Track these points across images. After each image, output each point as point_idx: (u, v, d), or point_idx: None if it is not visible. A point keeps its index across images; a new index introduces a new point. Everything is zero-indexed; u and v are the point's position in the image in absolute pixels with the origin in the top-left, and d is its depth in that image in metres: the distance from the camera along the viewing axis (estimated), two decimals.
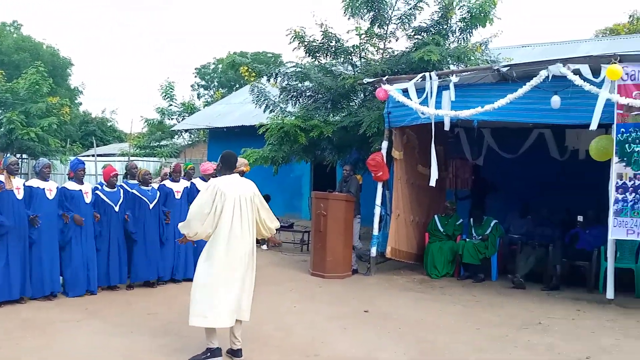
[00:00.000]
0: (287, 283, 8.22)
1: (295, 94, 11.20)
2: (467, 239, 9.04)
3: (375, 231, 9.03)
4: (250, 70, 11.16)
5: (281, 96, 11.34)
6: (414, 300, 7.36)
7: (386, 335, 5.78)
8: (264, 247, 11.53)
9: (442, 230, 9.38)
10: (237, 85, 32.40)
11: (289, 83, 11.14)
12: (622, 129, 6.86)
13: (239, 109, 18.35)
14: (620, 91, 6.78)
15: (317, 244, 8.76)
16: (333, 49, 10.83)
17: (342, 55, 10.86)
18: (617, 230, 6.95)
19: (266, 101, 11.40)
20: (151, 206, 7.67)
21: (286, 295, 7.43)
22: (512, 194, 10.85)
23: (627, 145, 6.83)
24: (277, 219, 12.13)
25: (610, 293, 7.17)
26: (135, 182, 7.76)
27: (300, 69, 10.89)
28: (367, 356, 5.17)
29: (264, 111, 11.51)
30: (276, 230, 5.35)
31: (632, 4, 40.63)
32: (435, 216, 9.59)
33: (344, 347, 5.39)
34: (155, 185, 8.06)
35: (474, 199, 11.36)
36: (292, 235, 12.28)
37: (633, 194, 6.83)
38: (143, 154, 23.54)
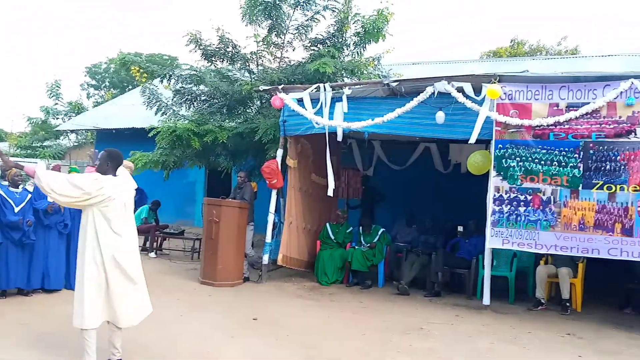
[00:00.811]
0: (175, 292, 7.97)
1: (189, 97, 10.96)
2: (357, 247, 9.27)
3: (268, 238, 9.02)
4: (141, 70, 10.77)
5: (174, 99, 11.04)
6: (303, 307, 7.42)
7: (273, 342, 5.76)
8: (152, 254, 11.14)
9: (333, 238, 9.56)
10: (130, 87, 31.17)
11: (184, 86, 10.88)
12: (500, 145, 7.36)
13: (130, 111, 17.64)
14: (499, 109, 7.28)
15: (208, 252, 8.59)
16: (230, 54, 10.73)
17: (239, 62, 10.80)
18: (493, 239, 7.42)
19: (158, 103, 11.03)
20: (16, 209, 7.08)
21: (172, 305, 7.19)
22: (399, 204, 11.31)
23: (503, 160, 7.33)
24: (167, 226, 11.72)
25: (486, 299, 7.62)
26: (6, 183, 7.20)
27: (195, 72, 10.67)
28: None
29: (155, 113, 11.14)
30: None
31: (514, 30, 43.90)
32: (327, 224, 9.75)
33: (230, 355, 5.31)
34: (31, 188, 7.51)
35: (363, 208, 11.69)
36: (183, 243, 11.97)
37: (508, 206, 7.33)
38: (24, 155, 21.97)
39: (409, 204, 10.86)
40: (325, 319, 6.87)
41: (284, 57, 10.83)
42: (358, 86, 8.37)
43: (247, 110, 10.99)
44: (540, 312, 7.71)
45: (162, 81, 11.06)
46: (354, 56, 10.59)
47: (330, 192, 8.66)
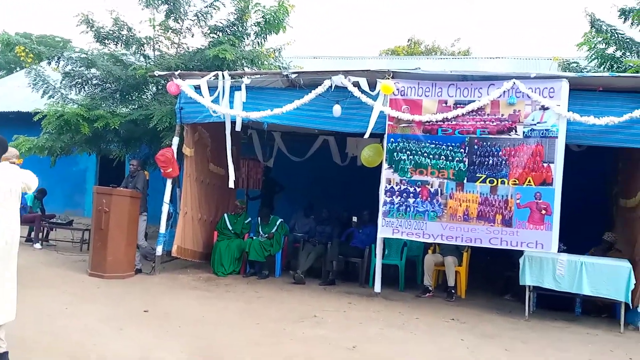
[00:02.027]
0: (61, 284, 7.56)
1: (80, 80, 10.41)
2: (254, 237, 9.26)
3: (162, 229, 8.78)
4: (27, 51, 10.09)
5: (63, 82, 10.44)
6: (197, 299, 7.30)
7: (164, 334, 5.64)
8: (37, 245, 10.50)
9: (231, 228, 9.48)
10: (18, 68, 29.07)
11: (74, 69, 10.31)
12: (392, 139, 7.63)
13: (16, 93, 16.48)
14: (391, 104, 7.53)
15: (97, 243, 8.22)
16: (124, 37, 10.32)
17: (134, 45, 10.39)
18: (384, 229, 7.69)
19: (45, 86, 10.38)
20: None
21: (58, 298, 6.83)
22: (299, 195, 11.45)
23: (395, 154, 7.60)
24: (55, 215, 11.10)
25: (377, 287, 7.90)
26: None
27: (85, 55, 10.14)
28: (141, 356, 4.98)
29: (42, 96, 10.48)
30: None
31: (411, 30, 45.54)
32: (225, 215, 9.65)
33: (118, 347, 5.13)
34: None
35: (263, 198, 11.71)
36: (71, 234, 11.36)
37: (399, 197, 7.61)
38: None
39: (308, 195, 11.02)
40: (219, 310, 6.81)
41: (182, 44, 10.57)
42: (258, 76, 8.33)
43: (142, 97, 10.62)
44: (427, 298, 8.10)
45: (49, 63, 10.42)
46: (254, 46, 10.53)
47: (231, 184, 8.57)
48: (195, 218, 9.24)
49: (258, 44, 10.59)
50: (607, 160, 9.60)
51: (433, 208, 7.44)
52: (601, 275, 6.77)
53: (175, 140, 8.74)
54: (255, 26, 10.29)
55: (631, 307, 6.81)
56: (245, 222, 9.63)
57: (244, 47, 10.37)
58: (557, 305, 7.60)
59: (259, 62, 9.98)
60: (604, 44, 8.27)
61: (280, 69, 9.93)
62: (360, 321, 6.60)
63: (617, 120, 6.70)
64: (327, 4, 43.07)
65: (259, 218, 9.61)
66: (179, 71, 8.65)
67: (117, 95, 10.40)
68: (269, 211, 9.82)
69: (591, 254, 7.68)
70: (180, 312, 6.52)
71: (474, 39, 40.23)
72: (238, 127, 8.40)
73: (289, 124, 8.24)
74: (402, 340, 5.94)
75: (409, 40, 26.71)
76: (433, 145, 7.44)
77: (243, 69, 9.76)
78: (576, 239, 8.01)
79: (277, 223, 9.40)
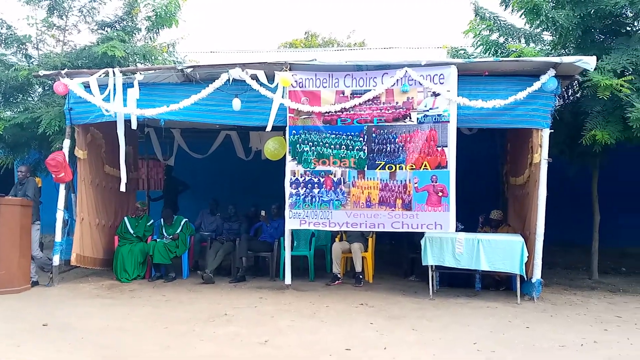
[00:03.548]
0: None
1: None
2: (158, 239, 8.99)
3: (58, 238, 8.30)
4: None
5: None
6: (101, 307, 6.98)
7: (67, 346, 5.34)
8: None
9: (132, 232, 9.12)
10: None
11: None
12: (294, 131, 7.66)
13: None
14: (291, 96, 7.55)
15: None
16: (3, 37, 9.62)
17: (15, 45, 9.72)
18: (292, 221, 7.73)
19: None
20: None
21: None
22: (204, 193, 11.23)
23: (297, 146, 7.64)
24: None
25: (288, 279, 7.93)
26: None
27: None
28: None
29: None
30: None
31: (308, 23, 45.89)
32: (125, 218, 9.27)
33: None
34: None
35: (166, 198, 11.39)
36: None
37: (304, 189, 7.67)
38: None
39: (213, 192, 10.81)
40: (124, 316, 6.54)
41: (69, 41, 9.99)
42: (151, 72, 8.04)
43: (28, 99, 9.94)
44: (337, 286, 8.24)
45: None
46: (146, 41, 10.14)
47: (122, 188, 8.21)
48: (93, 224, 8.82)
49: (150, 38, 10.20)
50: (497, 142, 10.19)
51: (337, 197, 7.57)
52: (497, 251, 7.17)
53: (67, 143, 8.27)
54: (146, 20, 9.91)
55: (526, 279, 7.28)
56: (148, 224, 9.30)
57: (135, 42, 9.96)
58: (459, 283, 8.00)
59: (152, 58, 9.62)
60: (488, 31, 8.70)
61: (175, 63, 9.64)
62: (272, 315, 6.60)
63: (503, 103, 7.10)
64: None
65: (162, 219, 9.33)
66: (66, 70, 8.18)
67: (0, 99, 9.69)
68: (172, 211, 9.56)
69: (481, 231, 8.15)
70: (83, 322, 6.21)
71: (368, 31, 41.19)
72: (133, 126, 8.07)
73: (188, 119, 8.05)
74: (313, 330, 6.00)
75: (306, 33, 26.89)
76: (334, 136, 7.55)
77: (136, 65, 9.38)
78: (473, 217, 8.47)
79: (182, 223, 9.17)
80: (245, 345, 5.47)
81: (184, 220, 9.25)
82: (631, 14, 8.02)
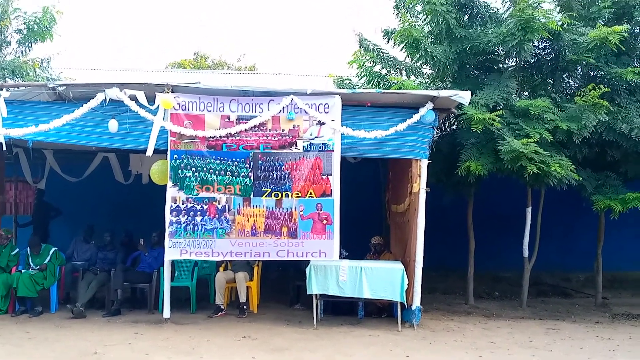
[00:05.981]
0: None
1: None
2: (24, 270, 8.20)
3: None
4: None
5: None
6: None
7: None
8: None
9: None
10: None
11: None
12: (175, 155, 7.35)
13: None
14: (173, 119, 7.25)
15: None
16: None
17: None
18: (172, 251, 7.37)
19: None
20: None
21: None
22: (79, 219, 10.44)
23: (179, 171, 7.34)
24: None
25: (167, 312, 7.53)
26: None
27: None
28: None
29: None
30: None
31: (198, 44, 45.19)
32: None
33: None
34: None
35: (35, 225, 10.51)
36: None
37: (186, 216, 7.36)
38: None
39: (90, 219, 10.08)
40: None
41: None
42: (19, 88, 7.41)
43: None
44: (220, 318, 7.93)
45: None
46: (17, 55, 9.41)
47: None
48: None
49: (22, 53, 9.48)
50: (380, 171, 10.45)
51: (221, 225, 7.34)
52: (379, 279, 7.28)
53: None
54: (17, 34, 9.20)
55: (406, 306, 7.43)
56: (12, 253, 8.46)
57: (4, 56, 9.20)
58: (343, 310, 8.00)
59: (23, 73, 8.93)
60: (371, 62, 8.96)
61: (48, 80, 8.99)
62: (147, 352, 6.20)
63: (385, 134, 7.27)
64: (112, 14, 40.71)
65: (29, 248, 8.54)
66: None
67: None
68: (39, 239, 8.74)
69: (367, 258, 8.26)
70: None
71: (259, 55, 41.27)
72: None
73: (60, 141, 7.47)
74: None
75: (195, 53, 26.48)
76: (218, 161, 7.34)
77: (5, 81, 8.64)
78: (357, 244, 8.55)
79: (50, 252, 8.42)
80: None
81: (53, 249, 8.51)
82: (502, 52, 8.58)
